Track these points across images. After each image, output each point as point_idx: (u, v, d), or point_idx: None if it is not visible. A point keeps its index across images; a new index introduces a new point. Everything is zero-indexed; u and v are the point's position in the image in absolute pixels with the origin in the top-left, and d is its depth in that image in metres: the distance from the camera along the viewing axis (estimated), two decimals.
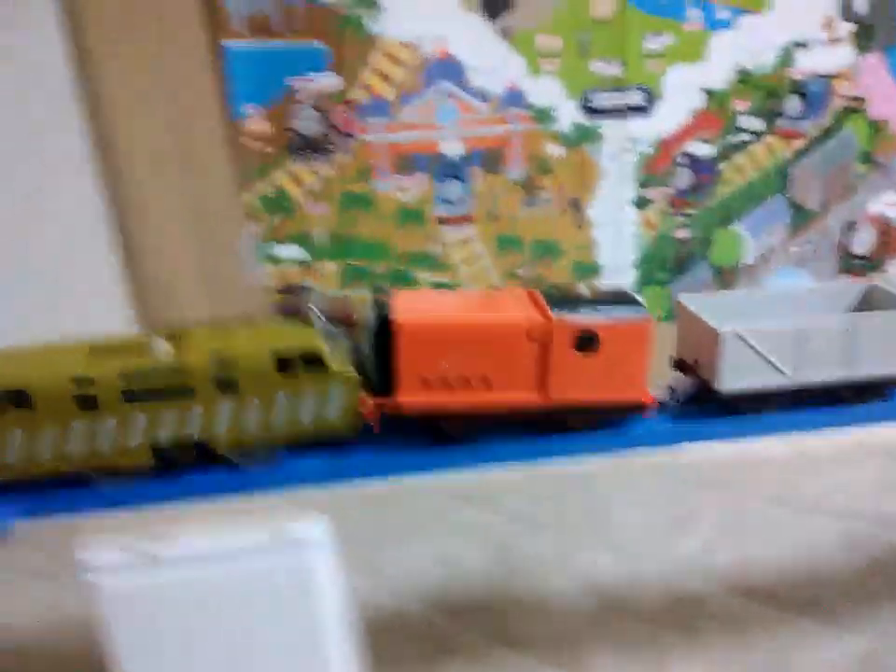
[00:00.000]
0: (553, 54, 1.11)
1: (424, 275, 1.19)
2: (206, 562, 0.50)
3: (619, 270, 1.23)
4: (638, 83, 1.13)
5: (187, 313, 1.12)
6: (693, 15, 1.10)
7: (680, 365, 0.65)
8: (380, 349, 0.54)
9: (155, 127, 1.05)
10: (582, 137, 1.16)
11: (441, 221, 1.17)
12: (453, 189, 1.16)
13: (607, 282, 1.22)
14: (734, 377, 0.59)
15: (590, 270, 1.23)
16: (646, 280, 1.25)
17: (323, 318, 0.57)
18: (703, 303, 0.63)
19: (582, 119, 1.15)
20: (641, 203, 1.20)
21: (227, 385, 0.53)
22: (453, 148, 1.14)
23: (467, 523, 1.01)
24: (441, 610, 0.85)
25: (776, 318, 0.61)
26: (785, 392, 0.61)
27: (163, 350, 0.53)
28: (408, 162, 1.14)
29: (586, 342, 0.55)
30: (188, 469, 0.55)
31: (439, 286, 1.20)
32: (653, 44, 1.12)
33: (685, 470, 1.08)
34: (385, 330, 0.54)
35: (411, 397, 0.55)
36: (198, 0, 1.00)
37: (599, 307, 0.56)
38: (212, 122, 1.06)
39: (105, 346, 0.54)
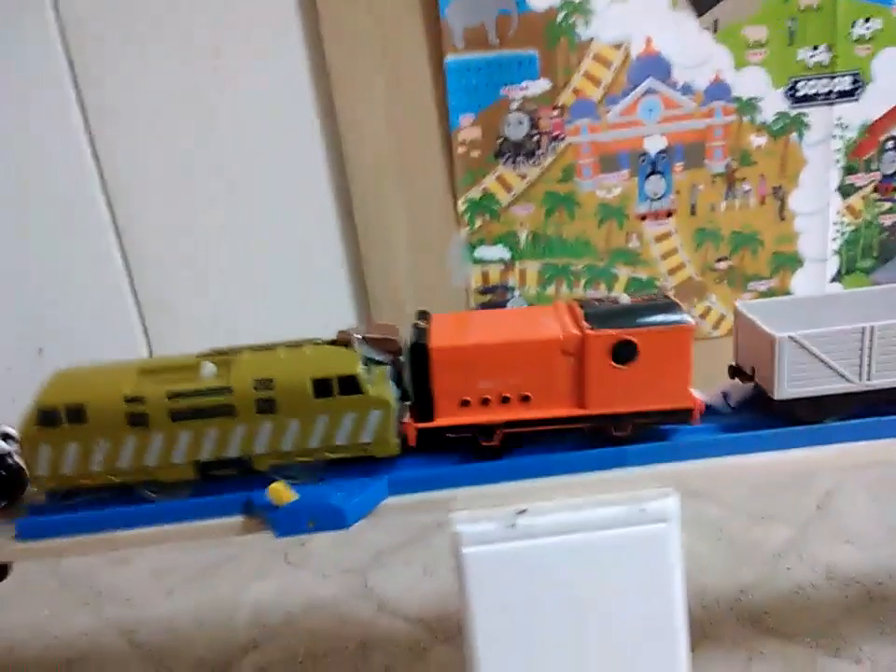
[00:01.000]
0: (759, 44, 1.11)
1: (623, 271, 1.21)
2: (568, 532, 0.53)
3: (820, 260, 1.22)
4: (847, 69, 1.12)
5: (402, 314, 1.17)
6: None
7: (737, 372, 0.63)
8: (417, 374, 0.55)
9: (380, 139, 1.11)
10: (787, 126, 1.15)
11: (642, 217, 1.19)
12: (654, 184, 1.17)
13: (802, 277, 1.20)
14: (791, 384, 0.56)
15: (790, 261, 1.22)
16: (848, 269, 1.22)
17: (366, 343, 0.58)
18: (763, 309, 0.61)
19: (787, 107, 1.14)
20: (846, 190, 1.18)
21: (267, 406, 0.55)
22: (656, 144, 1.15)
23: (692, 517, 1.02)
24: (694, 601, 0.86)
25: (841, 322, 0.57)
26: (851, 398, 0.57)
27: (210, 372, 0.56)
28: (611, 161, 1.16)
29: (623, 351, 0.54)
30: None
31: (637, 281, 1.21)
32: (861, 29, 1.10)
33: None
34: (420, 356, 0.55)
35: (449, 418, 0.56)
36: (422, 18, 1.05)
37: (638, 316, 0.55)
38: (431, 133, 1.11)
39: (155, 367, 0.57)
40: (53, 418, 0.55)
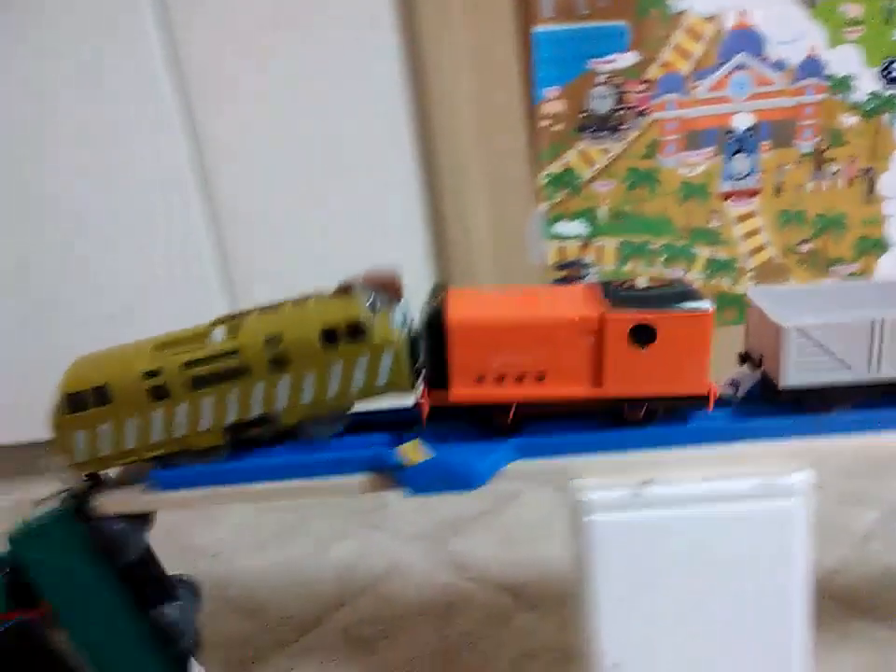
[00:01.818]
0: (855, 22, 1.09)
1: (702, 251, 1.20)
2: (696, 503, 0.54)
3: None
4: None
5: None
6: None
7: (747, 359, 0.62)
8: (434, 345, 0.55)
9: (464, 112, 1.11)
10: (879, 107, 1.12)
11: (725, 196, 1.18)
12: (740, 163, 1.16)
13: (887, 263, 1.18)
14: (797, 373, 0.55)
15: (875, 245, 1.20)
16: None
17: (367, 289, 0.58)
18: (775, 297, 0.60)
19: (881, 87, 1.11)
20: None
21: (280, 362, 0.55)
22: (743, 121, 1.14)
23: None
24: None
25: (853, 312, 0.56)
26: (856, 389, 0.56)
27: (221, 336, 0.57)
28: (697, 137, 1.14)
29: (642, 334, 0.54)
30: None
31: (716, 262, 1.20)
32: None
33: None
34: (438, 329, 0.54)
35: (464, 392, 0.55)
36: None
37: (658, 299, 0.54)
38: (514, 106, 1.11)
39: (169, 340, 0.58)
40: (81, 402, 0.56)
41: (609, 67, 1.10)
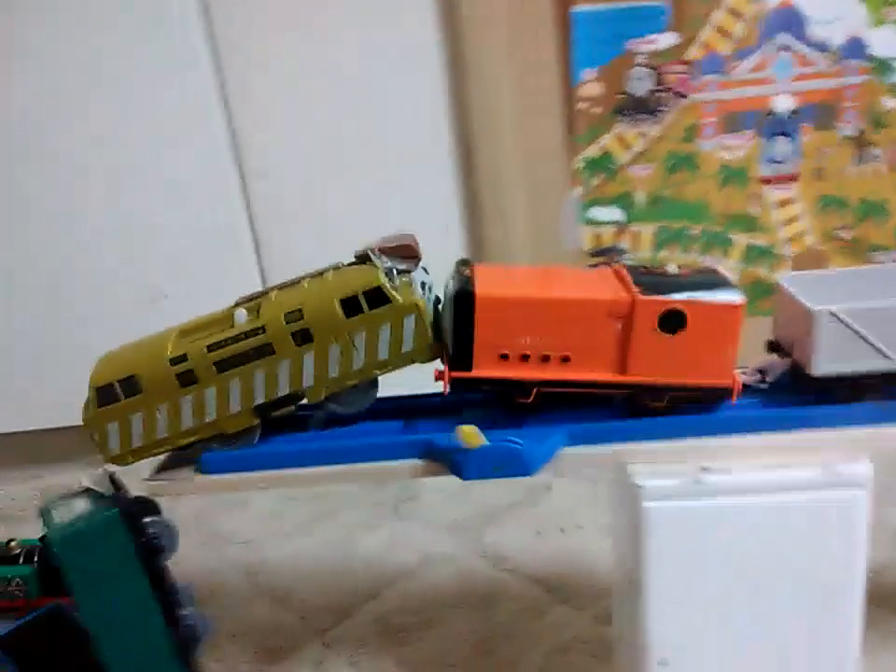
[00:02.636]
0: None
1: (740, 238, 1.17)
2: (756, 493, 0.52)
3: None
4: None
5: None
6: None
7: (775, 347, 0.60)
8: (459, 321, 0.53)
9: (502, 93, 1.09)
10: None
11: (765, 181, 1.15)
12: (780, 146, 1.13)
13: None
14: (829, 360, 0.53)
15: None
16: None
17: (384, 255, 0.56)
18: (805, 282, 0.58)
19: None
20: None
21: (303, 337, 0.54)
22: (784, 104, 1.11)
23: None
24: None
25: (888, 296, 0.54)
26: (892, 377, 0.54)
27: (243, 317, 0.55)
28: (736, 120, 1.12)
29: (671, 321, 0.52)
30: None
31: (755, 248, 1.18)
32: None
33: None
34: (464, 302, 0.52)
35: (487, 370, 0.54)
36: None
37: (688, 287, 0.53)
38: (552, 88, 1.09)
39: (193, 326, 0.57)
40: (111, 394, 0.56)
41: (647, 48, 1.08)
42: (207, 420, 0.56)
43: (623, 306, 0.52)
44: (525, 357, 0.53)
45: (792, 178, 1.14)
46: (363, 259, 0.57)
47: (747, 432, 0.54)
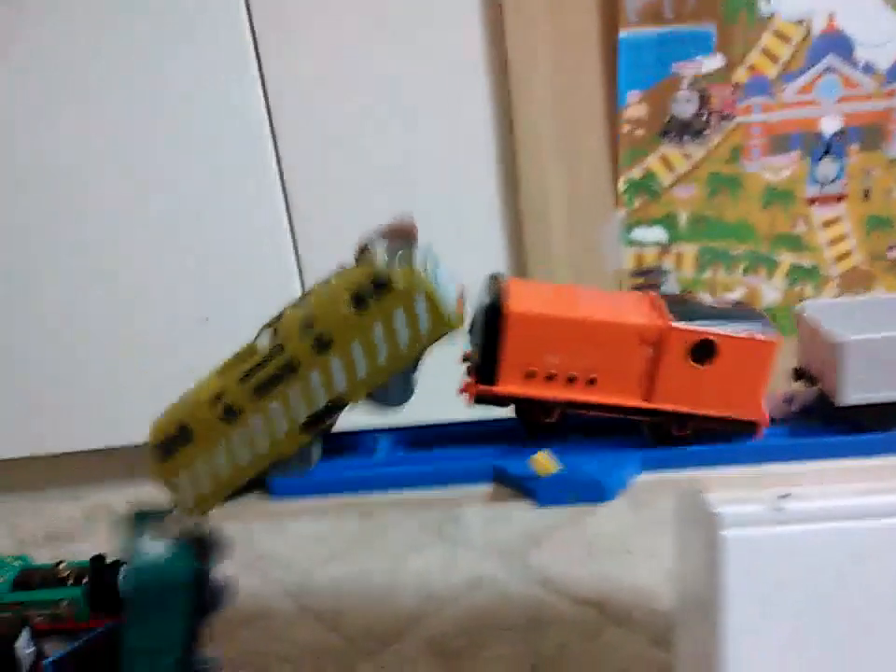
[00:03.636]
0: None
1: (785, 257, 1.17)
2: (844, 519, 0.51)
3: None
4: None
5: None
6: None
7: (801, 374, 0.59)
8: (488, 335, 0.52)
9: (546, 115, 1.09)
10: None
11: (811, 201, 1.14)
12: (826, 167, 1.12)
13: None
14: (856, 389, 0.53)
15: None
16: None
17: (382, 240, 0.55)
18: (830, 310, 0.58)
19: None
20: None
21: (323, 344, 0.53)
22: (831, 125, 1.10)
23: None
24: None
25: None
26: None
27: (265, 340, 0.55)
28: (782, 142, 1.11)
29: (702, 351, 0.51)
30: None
31: (799, 269, 1.17)
32: None
33: None
34: (494, 317, 0.52)
35: (512, 386, 0.53)
36: None
37: (723, 319, 0.52)
38: (596, 110, 1.09)
39: (228, 362, 0.57)
40: (168, 448, 0.57)
41: (693, 71, 1.08)
42: (261, 449, 0.56)
43: (654, 333, 0.52)
44: (550, 377, 0.53)
45: (839, 198, 1.14)
46: (364, 251, 0.56)
47: (829, 457, 0.53)
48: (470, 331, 0.56)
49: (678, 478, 0.54)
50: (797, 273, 1.17)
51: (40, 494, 1.27)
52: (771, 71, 1.08)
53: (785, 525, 0.51)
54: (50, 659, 0.74)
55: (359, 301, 0.53)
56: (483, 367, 0.53)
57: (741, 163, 1.12)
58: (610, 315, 0.53)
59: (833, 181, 1.13)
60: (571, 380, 0.53)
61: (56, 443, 1.23)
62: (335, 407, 0.55)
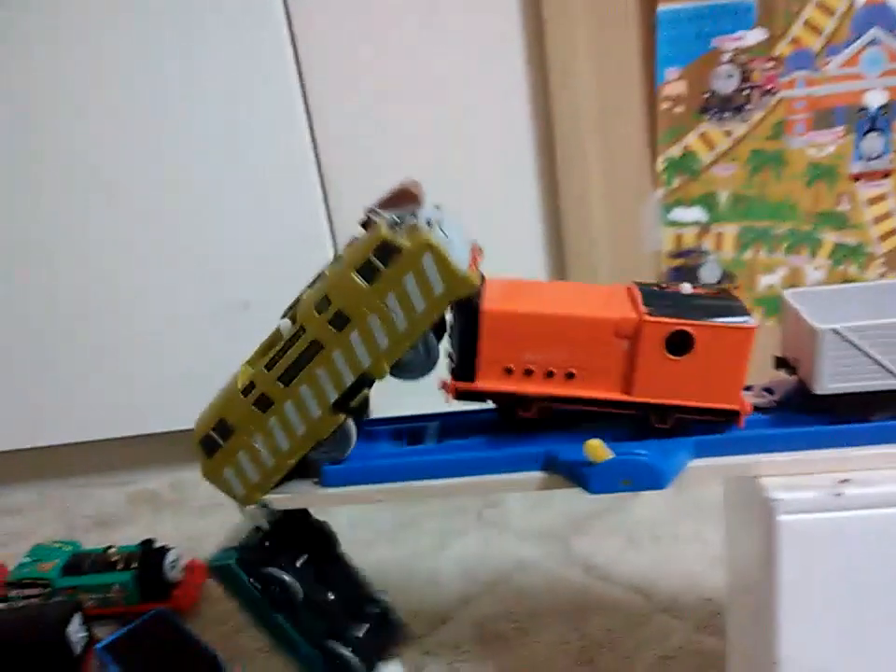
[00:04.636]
0: None
1: (829, 236, 1.14)
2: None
3: None
4: None
5: (596, 275, 1.15)
6: None
7: (782, 363, 0.58)
8: (464, 333, 0.53)
9: (584, 93, 1.08)
10: None
11: (856, 178, 1.11)
12: (871, 142, 1.09)
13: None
14: (834, 378, 0.52)
15: None
16: None
17: (384, 208, 0.55)
18: (813, 297, 0.56)
19: None
20: None
21: (340, 321, 0.53)
22: (876, 99, 1.07)
23: None
24: None
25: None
26: None
27: (287, 326, 0.55)
28: (826, 117, 1.09)
29: (678, 343, 0.51)
30: None
31: (844, 247, 1.14)
32: None
33: None
34: (470, 316, 0.52)
35: (490, 382, 0.53)
36: None
37: (700, 309, 0.52)
38: (633, 87, 1.08)
39: (254, 355, 0.58)
40: (211, 444, 0.57)
41: (734, 45, 1.05)
42: (298, 434, 0.57)
43: (629, 326, 0.52)
44: (528, 372, 0.53)
45: (885, 175, 1.11)
46: (367, 223, 0.56)
47: (886, 443, 0.52)
48: (450, 331, 0.57)
49: (721, 463, 0.53)
50: (841, 252, 1.15)
51: (88, 479, 1.29)
52: (814, 44, 1.05)
53: (845, 511, 0.50)
54: (102, 643, 0.75)
55: (369, 272, 0.52)
56: (462, 364, 0.54)
57: (784, 140, 1.10)
58: (585, 309, 0.53)
59: (878, 157, 1.10)
60: (549, 375, 0.53)
61: (102, 430, 1.25)
62: (362, 383, 0.55)
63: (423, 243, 0.51)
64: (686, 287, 0.56)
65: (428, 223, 0.53)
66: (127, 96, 1.12)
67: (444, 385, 0.55)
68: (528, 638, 0.82)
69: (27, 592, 0.93)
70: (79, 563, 0.94)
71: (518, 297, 0.55)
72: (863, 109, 1.08)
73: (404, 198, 0.56)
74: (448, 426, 0.61)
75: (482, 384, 0.54)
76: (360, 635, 0.64)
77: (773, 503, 0.50)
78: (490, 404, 0.57)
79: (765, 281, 1.16)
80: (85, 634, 0.83)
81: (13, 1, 1.08)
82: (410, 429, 0.62)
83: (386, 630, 0.68)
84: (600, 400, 0.54)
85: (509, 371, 0.54)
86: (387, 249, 0.52)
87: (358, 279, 0.53)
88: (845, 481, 0.51)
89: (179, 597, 0.92)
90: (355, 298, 0.53)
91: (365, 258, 0.52)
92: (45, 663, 0.79)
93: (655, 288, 0.56)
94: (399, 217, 0.53)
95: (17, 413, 1.25)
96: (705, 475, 0.53)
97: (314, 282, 0.58)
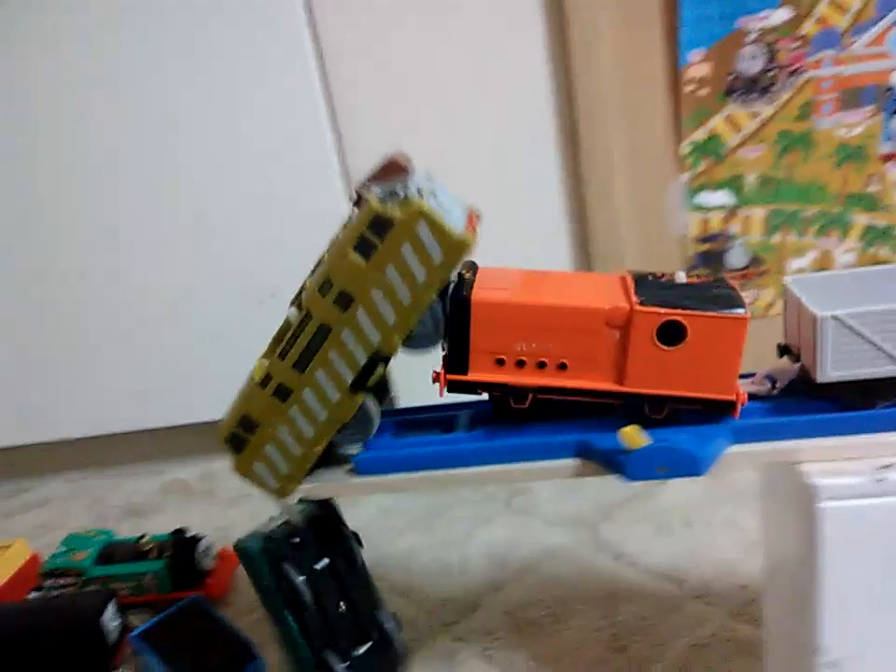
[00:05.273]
0: None
1: (859, 218, 1.12)
2: None
3: None
4: None
5: (622, 260, 1.14)
6: None
7: (785, 351, 0.57)
8: (455, 324, 0.52)
9: (608, 77, 1.07)
10: None
11: (885, 158, 1.09)
12: None
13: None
14: (836, 365, 0.51)
15: None
16: None
17: (374, 182, 0.54)
18: (815, 284, 0.55)
19: None
20: None
21: (344, 300, 0.53)
22: None
23: None
24: None
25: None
26: None
27: (295, 313, 0.55)
28: (854, 96, 1.07)
29: (670, 333, 0.50)
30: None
31: (874, 229, 1.13)
32: None
33: None
34: (459, 306, 0.52)
35: (482, 374, 0.53)
36: None
37: (693, 298, 0.51)
38: (657, 71, 1.06)
39: (268, 347, 0.58)
40: (238, 440, 0.58)
41: (759, 25, 1.04)
42: (321, 419, 0.57)
43: (619, 316, 0.51)
44: (520, 363, 0.53)
45: None
46: (359, 200, 0.56)
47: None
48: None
49: (760, 449, 0.52)
50: (872, 234, 1.13)
51: (119, 469, 1.31)
52: (840, 22, 1.03)
53: (887, 497, 0.49)
54: (136, 632, 0.76)
55: (365, 247, 0.52)
56: (453, 355, 0.54)
57: (812, 120, 1.08)
58: (575, 299, 0.53)
59: None
60: (541, 365, 0.53)
61: (134, 421, 1.26)
62: (376, 361, 0.55)
63: (415, 211, 0.51)
64: (681, 276, 0.55)
65: (419, 192, 0.52)
66: (172, 100, 1.13)
67: (436, 377, 0.55)
68: (560, 625, 0.82)
69: (61, 581, 0.94)
70: (113, 552, 0.95)
71: (509, 286, 0.55)
72: (891, 88, 1.06)
73: (393, 170, 0.55)
74: (479, 414, 0.61)
75: (473, 375, 0.54)
76: (360, 653, 0.65)
77: (814, 489, 0.50)
78: (485, 396, 0.57)
79: (795, 265, 1.14)
80: (119, 622, 0.84)
81: (13, 1, 1.08)
82: (442, 418, 0.62)
83: (387, 654, 0.69)
84: (592, 391, 0.53)
85: (500, 363, 0.53)
86: (381, 222, 0.52)
87: (356, 256, 0.53)
88: (887, 466, 0.50)
89: (211, 585, 0.92)
90: (355, 275, 0.53)
91: (360, 234, 0.52)
92: (80, 651, 0.80)
93: (650, 277, 0.55)
94: (389, 190, 0.53)
95: (50, 406, 1.26)
96: (743, 461, 0.53)
97: (315, 268, 0.58)
